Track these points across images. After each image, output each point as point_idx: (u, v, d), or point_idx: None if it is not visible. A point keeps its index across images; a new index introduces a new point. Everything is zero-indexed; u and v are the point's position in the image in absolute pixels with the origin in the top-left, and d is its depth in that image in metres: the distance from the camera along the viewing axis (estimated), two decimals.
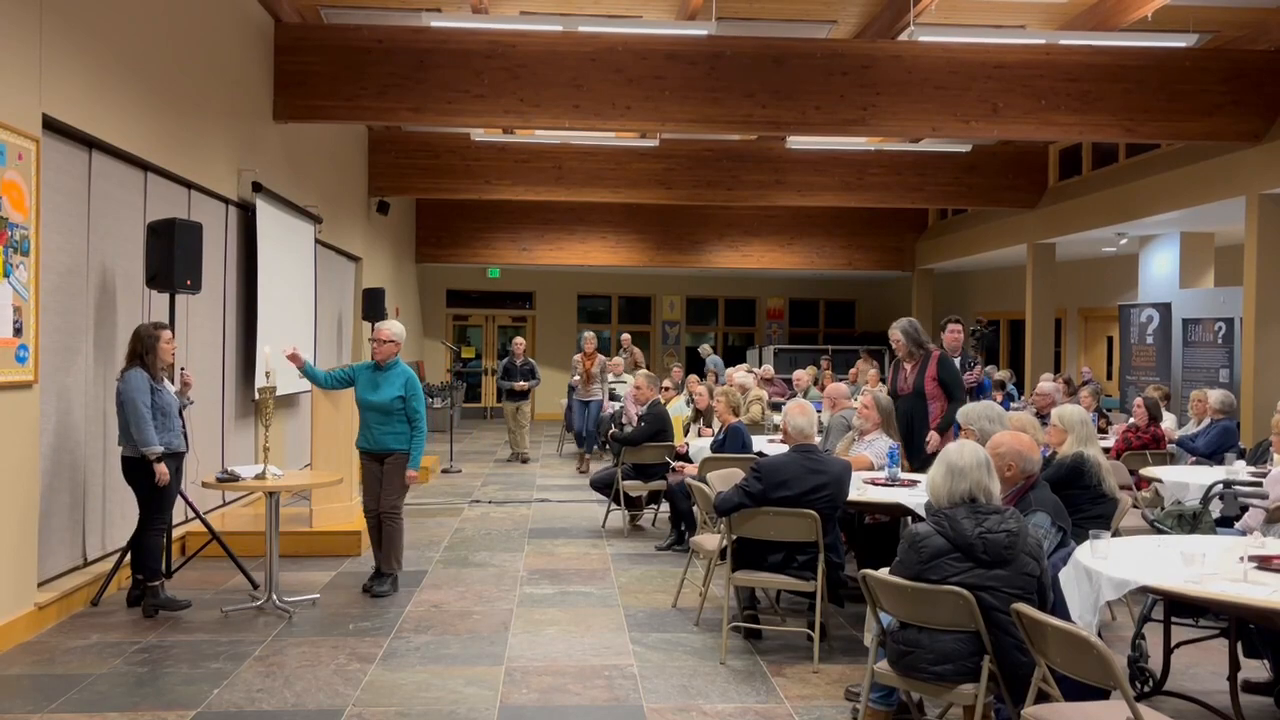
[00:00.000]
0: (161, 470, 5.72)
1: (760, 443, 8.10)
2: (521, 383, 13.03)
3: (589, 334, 13.19)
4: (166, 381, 5.96)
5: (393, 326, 6.60)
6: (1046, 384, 9.76)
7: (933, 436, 6.95)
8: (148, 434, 5.68)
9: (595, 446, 12.96)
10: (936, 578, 3.57)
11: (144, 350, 5.82)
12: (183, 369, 6.33)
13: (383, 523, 6.50)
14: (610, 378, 15.19)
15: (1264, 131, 10.06)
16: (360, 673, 4.94)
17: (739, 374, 11.50)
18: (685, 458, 8.29)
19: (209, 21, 8.03)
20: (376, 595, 6.38)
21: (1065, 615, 3.77)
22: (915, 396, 7.11)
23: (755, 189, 14.69)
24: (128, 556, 6.25)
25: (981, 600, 3.51)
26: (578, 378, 12.91)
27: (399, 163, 14.20)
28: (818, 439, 6.14)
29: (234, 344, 8.72)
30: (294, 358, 6.45)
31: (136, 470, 5.78)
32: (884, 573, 3.74)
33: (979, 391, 8.11)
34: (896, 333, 7.33)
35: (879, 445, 6.71)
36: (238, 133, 8.68)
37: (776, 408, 11.98)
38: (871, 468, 6.55)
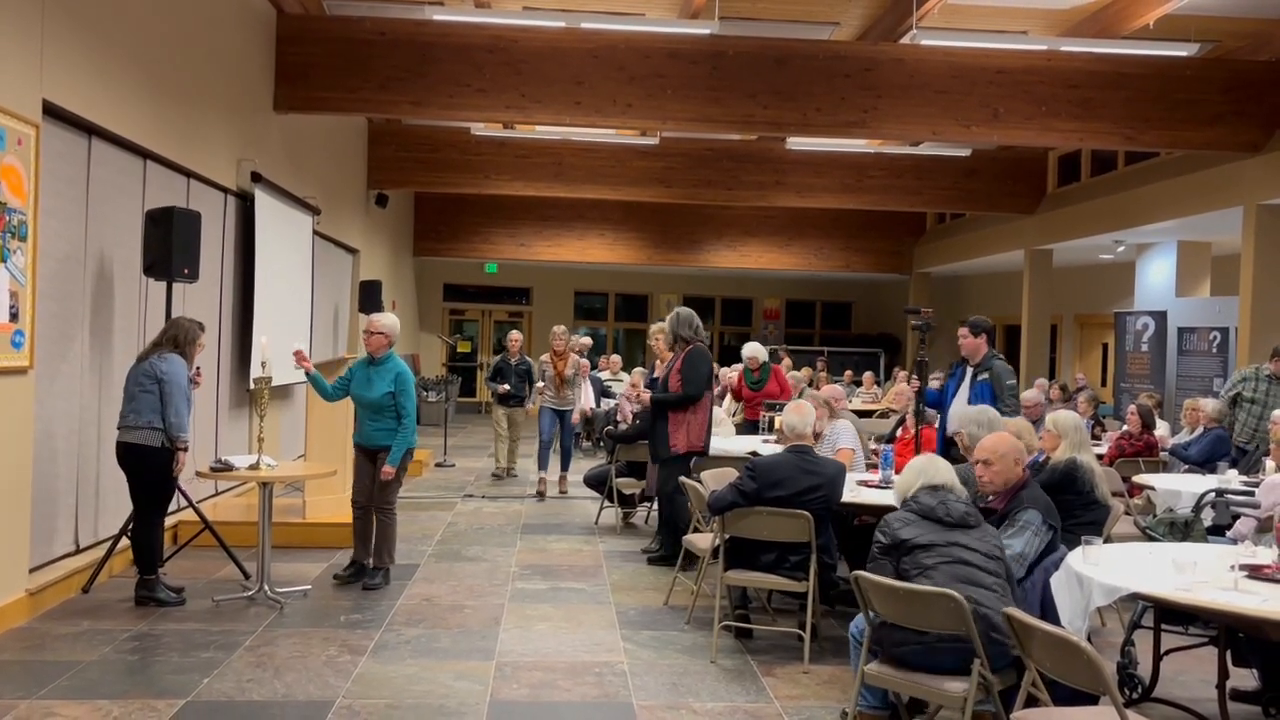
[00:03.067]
0: (183, 460, 5.75)
1: (755, 443, 8.10)
2: (506, 385, 11.01)
3: (559, 328, 10.59)
4: None
5: (384, 319, 6.59)
6: (1031, 392, 9.79)
7: (643, 394, 7.38)
8: (185, 420, 5.68)
9: (568, 468, 10.63)
10: (909, 536, 3.83)
11: (186, 341, 5.83)
12: (197, 366, 6.27)
13: (375, 517, 6.50)
14: (606, 375, 15.20)
15: (1263, 142, 10.08)
16: (350, 665, 4.94)
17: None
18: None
19: (211, 11, 8.02)
20: (367, 588, 6.38)
21: (1056, 621, 3.78)
22: (664, 390, 7.13)
23: (754, 189, 14.71)
24: (119, 544, 6.25)
25: (953, 554, 3.75)
26: (543, 382, 10.47)
27: (399, 156, 14.20)
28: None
29: (230, 334, 8.71)
30: (300, 356, 6.44)
31: (141, 457, 5.70)
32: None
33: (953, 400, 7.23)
34: (664, 324, 7.24)
35: (841, 432, 6.70)
36: (238, 123, 8.67)
37: (772, 407, 11.98)
38: (853, 454, 6.54)
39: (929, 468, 4.09)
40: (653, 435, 7.27)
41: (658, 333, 8.27)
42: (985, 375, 6.86)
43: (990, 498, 4.43)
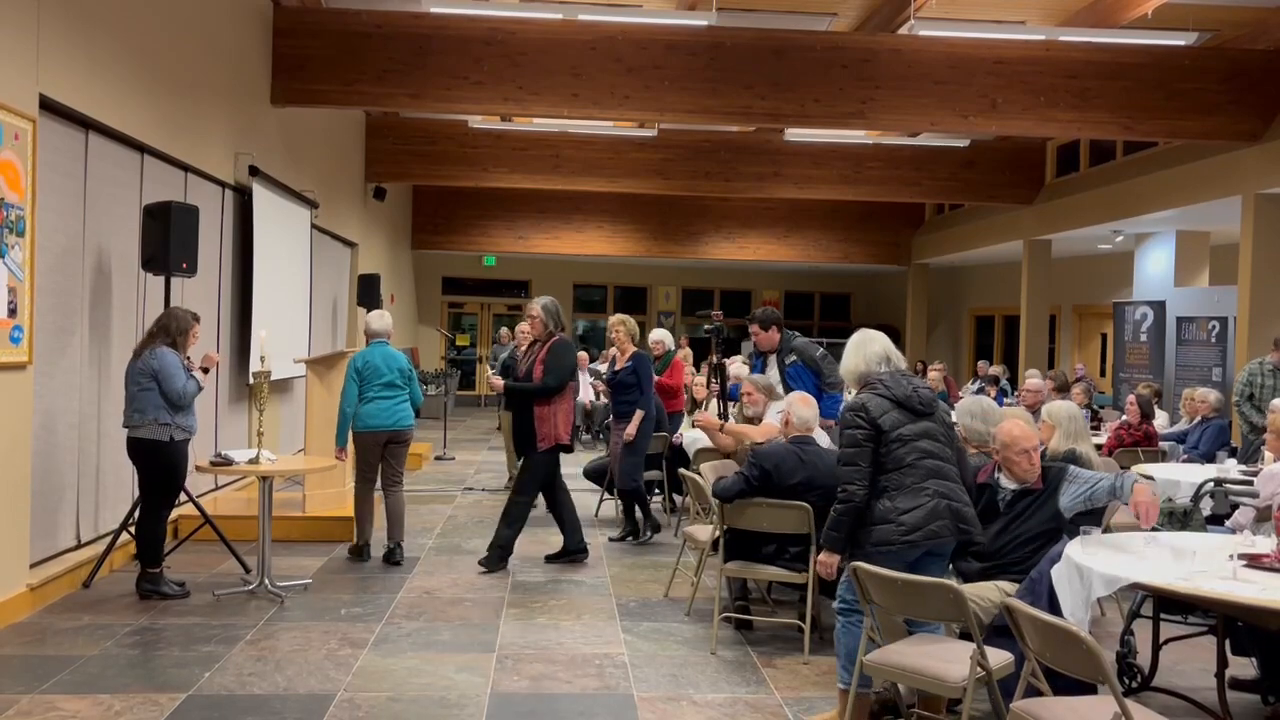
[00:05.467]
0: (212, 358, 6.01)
1: None
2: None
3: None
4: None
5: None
6: (1035, 380, 9.79)
7: (492, 380, 7.00)
8: (189, 386, 5.70)
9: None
10: (889, 426, 4.01)
11: (178, 330, 5.81)
12: (207, 354, 6.22)
13: None
14: (605, 368, 15.17)
15: (1262, 131, 10.07)
16: (351, 658, 4.95)
17: (734, 365, 11.48)
18: (682, 452, 8.27)
19: (207, 4, 8.00)
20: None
21: (1056, 612, 3.79)
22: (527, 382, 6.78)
23: (753, 181, 14.69)
24: (120, 538, 6.26)
25: (926, 448, 4.02)
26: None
27: (396, 149, 14.17)
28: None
29: (229, 328, 8.71)
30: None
31: (150, 452, 5.73)
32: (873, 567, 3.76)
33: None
34: (536, 308, 6.81)
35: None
36: (235, 116, 8.65)
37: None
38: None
39: (864, 340, 4.31)
40: (519, 430, 6.86)
41: (618, 325, 8.04)
42: (793, 358, 6.68)
43: (1011, 478, 4.47)
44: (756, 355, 7.09)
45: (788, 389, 6.56)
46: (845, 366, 4.34)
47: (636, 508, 7.87)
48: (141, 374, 5.69)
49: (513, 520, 6.85)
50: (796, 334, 6.94)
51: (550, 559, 7.10)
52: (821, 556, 4.24)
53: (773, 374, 6.77)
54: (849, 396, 4.53)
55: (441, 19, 9.44)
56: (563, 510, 7.06)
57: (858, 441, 4.03)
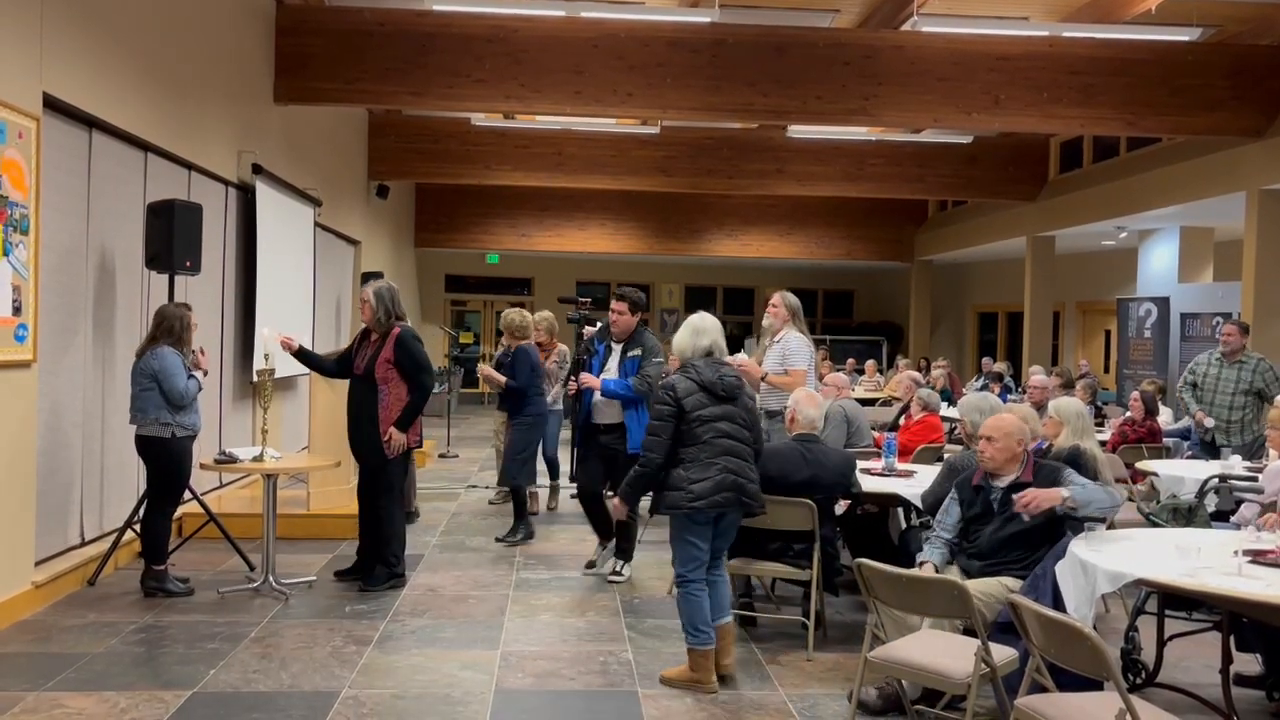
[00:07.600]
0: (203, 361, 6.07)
1: None
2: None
3: (544, 314, 8.64)
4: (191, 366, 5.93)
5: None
6: (1040, 376, 9.76)
7: (394, 434, 5.97)
8: (190, 387, 5.74)
9: (557, 476, 9.18)
10: (691, 407, 4.48)
11: (180, 328, 5.81)
12: (200, 348, 6.23)
13: None
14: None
15: (1266, 127, 10.05)
16: (356, 655, 4.95)
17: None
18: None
19: (210, 2, 8.00)
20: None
21: (1060, 608, 3.79)
22: (364, 380, 6.03)
23: (755, 178, 14.67)
24: (124, 536, 6.27)
25: (723, 429, 4.49)
26: None
27: (399, 147, 14.16)
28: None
29: (232, 326, 8.71)
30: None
31: (151, 447, 5.76)
32: (874, 564, 3.76)
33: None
34: (368, 292, 6.03)
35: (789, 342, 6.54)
36: (238, 115, 8.66)
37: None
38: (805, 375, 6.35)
39: (700, 324, 4.71)
40: (361, 438, 6.11)
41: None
42: (638, 351, 6.42)
43: (998, 476, 4.51)
44: (600, 339, 6.63)
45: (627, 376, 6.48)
46: (676, 345, 4.75)
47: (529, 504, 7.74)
48: (142, 374, 5.72)
49: (390, 532, 6.21)
50: (648, 329, 6.68)
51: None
52: (615, 502, 4.89)
53: (613, 362, 6.50)
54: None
55: (444, 17, 9.44)
56: (394, 524, 6.29)
57: (663, 416, 4.52)
